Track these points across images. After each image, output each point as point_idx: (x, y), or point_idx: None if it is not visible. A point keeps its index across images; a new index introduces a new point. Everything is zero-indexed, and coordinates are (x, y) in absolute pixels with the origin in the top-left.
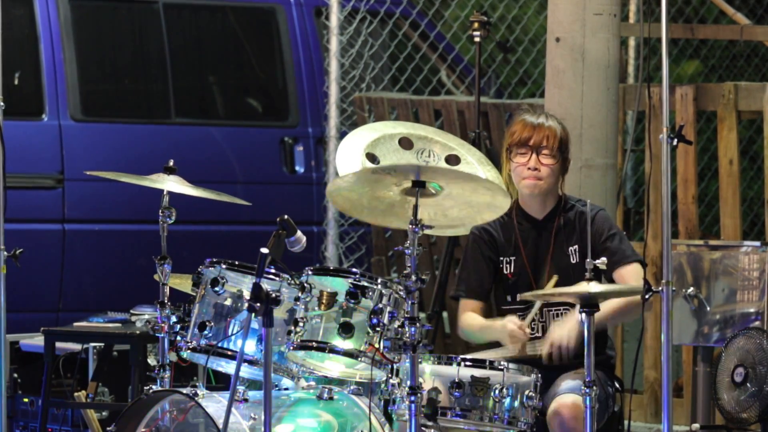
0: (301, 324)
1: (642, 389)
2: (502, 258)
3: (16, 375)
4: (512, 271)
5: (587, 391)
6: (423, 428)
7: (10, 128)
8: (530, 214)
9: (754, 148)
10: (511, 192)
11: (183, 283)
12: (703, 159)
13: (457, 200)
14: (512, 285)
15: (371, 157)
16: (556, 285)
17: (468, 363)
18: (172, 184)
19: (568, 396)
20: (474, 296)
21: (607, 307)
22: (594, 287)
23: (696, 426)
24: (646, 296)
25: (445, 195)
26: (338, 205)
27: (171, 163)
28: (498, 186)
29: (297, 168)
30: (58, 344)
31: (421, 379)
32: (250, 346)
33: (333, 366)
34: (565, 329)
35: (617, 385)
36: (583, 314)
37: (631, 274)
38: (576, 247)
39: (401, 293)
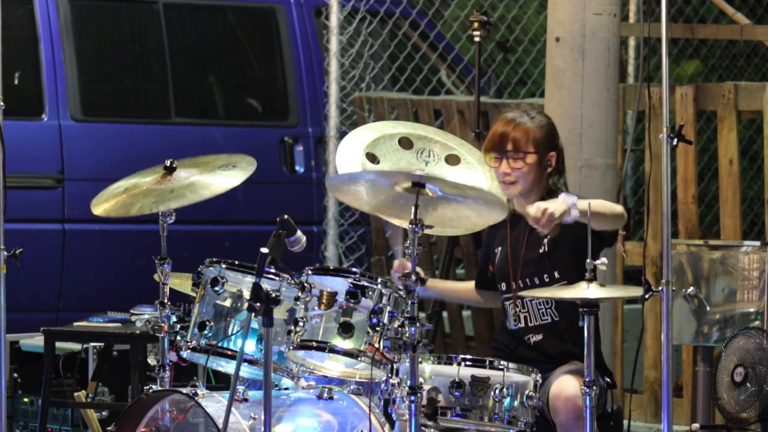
0: (301, 324)
1: (642, 389)
2: (496, 250)
3: (16, 375)
4: (495, 263)
5: (587, 390)
6: (423, 428)
7: (10, 128)
8: (517, 210)
9: (754, 148)
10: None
11: (183, 283)
12: (703, 159)
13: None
14: (491, 278)
15: (371, 157)
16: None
17: (468, 363)
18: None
19: (568, 379)
20: (477, 283)
21: (598, 205)
22: (592, 292)
23: (696, 426)
24: (646, 296)
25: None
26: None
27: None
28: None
29: (297, 168)
30: (58, 344)
31: (421, 379)
32: (250, 346)
33: (333, 366)
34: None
35: (608, 381)
36: (584, 314)
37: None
38: (548, 239)
39: (401, 293)
